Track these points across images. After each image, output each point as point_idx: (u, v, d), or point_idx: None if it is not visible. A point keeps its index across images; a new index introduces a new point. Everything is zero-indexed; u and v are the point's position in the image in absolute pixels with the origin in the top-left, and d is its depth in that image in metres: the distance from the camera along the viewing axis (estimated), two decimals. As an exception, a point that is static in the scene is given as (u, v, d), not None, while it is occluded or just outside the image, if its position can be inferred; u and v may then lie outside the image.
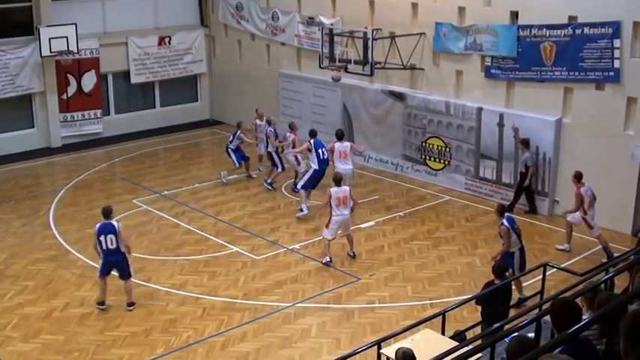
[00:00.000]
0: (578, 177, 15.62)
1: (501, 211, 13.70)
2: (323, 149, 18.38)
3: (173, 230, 17.57)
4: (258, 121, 21.60)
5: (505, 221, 13.43)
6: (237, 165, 20.64)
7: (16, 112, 24.02)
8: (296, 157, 19.99)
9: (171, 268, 15.54)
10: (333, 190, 15.52)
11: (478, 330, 11.31)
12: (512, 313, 11.45)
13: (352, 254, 15.85)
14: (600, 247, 15.49)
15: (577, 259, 15.51)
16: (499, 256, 13.35)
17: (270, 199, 19.53)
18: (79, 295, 14.31)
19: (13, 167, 22.57)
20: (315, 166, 18.27)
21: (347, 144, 18.70)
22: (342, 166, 18.18)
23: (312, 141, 18.45)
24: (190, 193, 20.04)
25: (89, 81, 24.87)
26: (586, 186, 15.55)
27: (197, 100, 28.08)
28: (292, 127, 20.16)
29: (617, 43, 16.24)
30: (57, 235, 17.34)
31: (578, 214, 15.59)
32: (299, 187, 18.34)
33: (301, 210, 18.02)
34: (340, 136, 18.73)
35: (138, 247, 16.48)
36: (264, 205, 19.03)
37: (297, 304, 13.88)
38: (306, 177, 18.32)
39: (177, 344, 12.54)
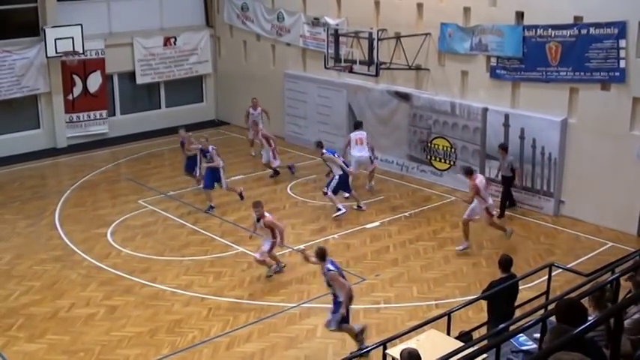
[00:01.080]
0: (469, 172, 16.06)
1: (322, 255, 11.91)
2: (337, 154, 18.54)
3: (178, 231, 17.59)
4: (251, 110, 22.55)
5: (331, 265, 11.82)
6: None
7: (22, 112, 24.10)
8: (273, 153, 20.63)
9: (176, 268, 15.54)
10: (274, 218, 15.18)
11: (484, 330, 11.29)
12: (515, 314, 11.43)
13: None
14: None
15: (582, 259, 15.48)
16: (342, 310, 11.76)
17: (276, 199, 19.52)
18: (85, 296, 14.32)
19: (18, 168, 22.63)
20: (339, 171, 18.09)
21: (363, 132, 19.52)
22: (358, 153, 19.31)
23: (325, 151, 18.37)
24: (196, 194, 20.03)
25: (95, 82, 24.94)
26: (480, 177, 16.16)
27: (202, 101, 28.13)
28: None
29: (622, 43, 16.20)
30: (62, 236, 17.38)
31: (473, 207, 15.94)
32: (329, 192, 18.15)
33: (339, 209, 18.06)
34: (356, 126, 19.72)
35: (143, 248, 16.57)
36: (269, 206, 18.90)
37: (302, 305, 13.88)
38: (334, 183, 18.10)
39: (182, 344, 12.54)
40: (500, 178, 18.05)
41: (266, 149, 20.83)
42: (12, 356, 12.26)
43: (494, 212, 16.35)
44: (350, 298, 11.81)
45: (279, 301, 14.00)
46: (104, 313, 13.64)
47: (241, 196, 18.89)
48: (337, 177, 18.14)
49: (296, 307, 13.77)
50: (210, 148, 18.75)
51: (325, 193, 18.30)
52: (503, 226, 16.42)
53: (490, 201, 16.04)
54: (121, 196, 20.07)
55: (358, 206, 18.56)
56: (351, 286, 12.05)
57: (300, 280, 14.89)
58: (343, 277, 11.96)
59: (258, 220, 14.84)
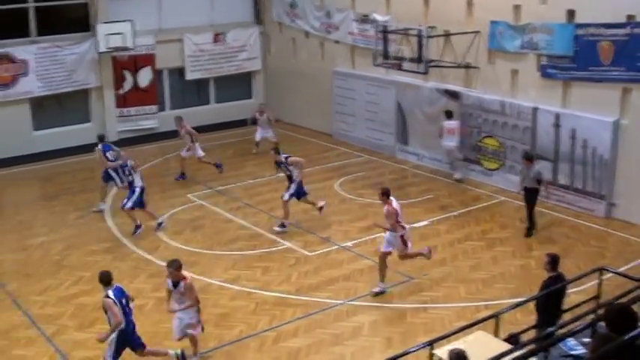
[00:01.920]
0: (387, 194, 14.00)
1: (104, 280, 11.12)
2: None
3: (227, 225, 17.71)
4: (257, 115, 23.35)
5: (111, 293, 10.92)
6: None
7: (73, 106, 24.52)
8: (190, 148, 20.77)
9: (224, 262, 15.67)
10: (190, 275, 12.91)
11: (532, 334, 11.16)
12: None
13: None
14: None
15: (633, 264, 15.16)
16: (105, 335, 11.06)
17: (324, 196, 19.48)
18: (134, 287, 14.41)
19: (69, 160, 23.05)
20: (300, 176, 17.36)
21: (455, 122, 20.12)
22: (446, 142, 20.37)
23: (283, 156, 17.69)
24: (244, 189, 20.19)
25: (145, 77, 25.27)
26: (395, 201, 14.09)
27: (251, 97, 28.27)
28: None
29: (678, 42, 15.93)
30: (112, 228, 17.64)
31: (391, 239, 14.08)
32: (287, 197, 17.29)
33: (283, 226, 17.31)
34: (447, 115, 20.24)
35: (192, 241, 16.72)
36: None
37: (349, 302, 13.89)
38: (293, 189, 17.27)
39: (229, 338, 12.63)
40: (522, 191, 17.02)
41: (193, 147, 20.83)
42: (61, 344, 12.52)
43: (411, 241, 14.39)
44: (115, 329, 10.87)
45: (326, 298, 14.03)
46: (153, 305, 13.82)
47: (159, 225, 17.49)
48: (296, 182, 17.27)
49: (342, 304, 13.78)
50: (128, 162, 17.44)
51: (285, 199, 17.31)
52: (420, 252, 14.68)
53: (407, 228, 14.39)
54: (170, 190, 20.28)
55: (286, 223, 17.30)
56: (122, 321, 10.87)
57: (347, 278, 14.90)
58: (126, 306, 11.00)
59: (176, 284, 11.67)
